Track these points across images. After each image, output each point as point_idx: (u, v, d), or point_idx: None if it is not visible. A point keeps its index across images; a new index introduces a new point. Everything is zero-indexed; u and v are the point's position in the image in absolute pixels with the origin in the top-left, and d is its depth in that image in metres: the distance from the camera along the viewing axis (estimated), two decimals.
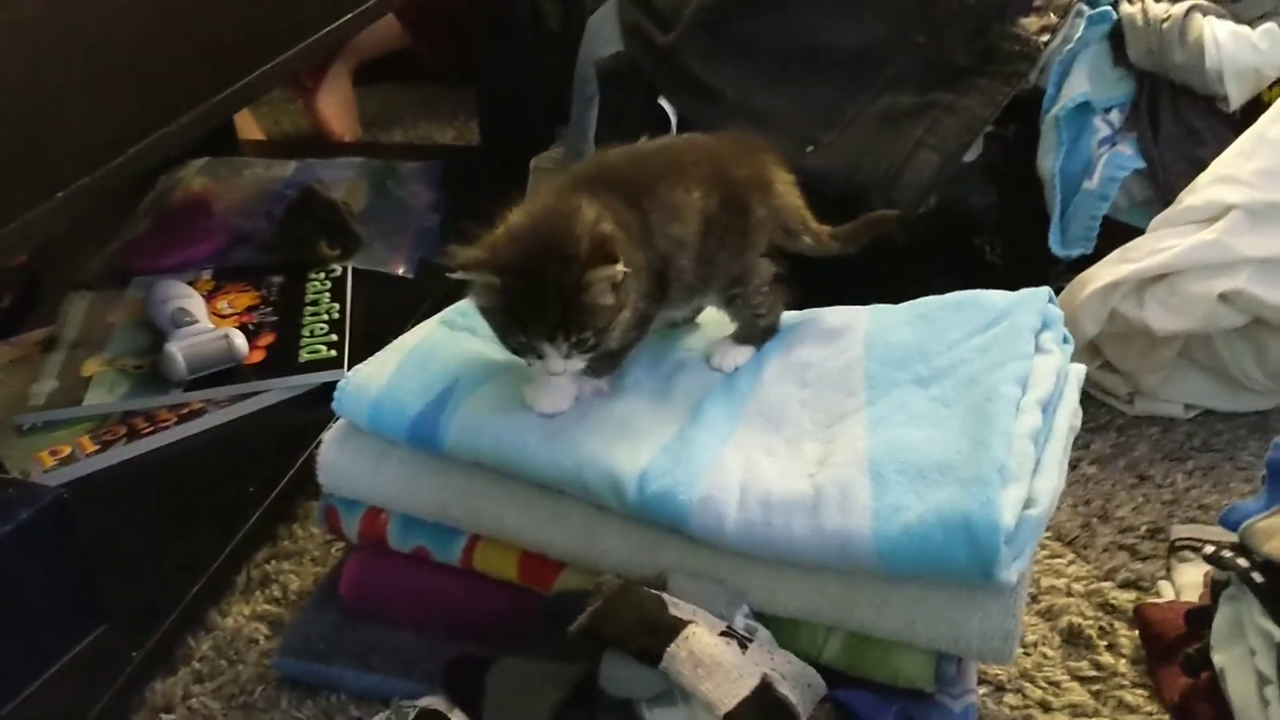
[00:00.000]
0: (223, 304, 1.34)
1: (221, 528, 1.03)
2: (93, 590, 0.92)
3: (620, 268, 0.79)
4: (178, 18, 0.89)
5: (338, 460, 0.93)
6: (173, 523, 1.05)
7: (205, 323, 1.25)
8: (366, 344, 0.98)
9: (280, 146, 1.98)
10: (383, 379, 0.92)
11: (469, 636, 0.88)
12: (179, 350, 1.18)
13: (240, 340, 1.21)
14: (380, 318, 1.26)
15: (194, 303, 1.28)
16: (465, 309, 1.01)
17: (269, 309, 1.33)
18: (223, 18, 0.94)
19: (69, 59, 0.79)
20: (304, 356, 1.23)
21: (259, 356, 1.23)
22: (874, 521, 0.76)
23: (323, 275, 1.40)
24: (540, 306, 0.79)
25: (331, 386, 0.93)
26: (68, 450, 1.11)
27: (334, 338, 1.26)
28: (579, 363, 0.82)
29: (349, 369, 0.98)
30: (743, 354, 0.94)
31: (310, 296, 1.35)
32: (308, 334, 1.27)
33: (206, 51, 0.93)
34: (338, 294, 1.35)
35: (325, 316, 1.30)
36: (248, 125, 2.02)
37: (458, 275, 0.82)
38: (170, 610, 0.94)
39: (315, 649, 0.92)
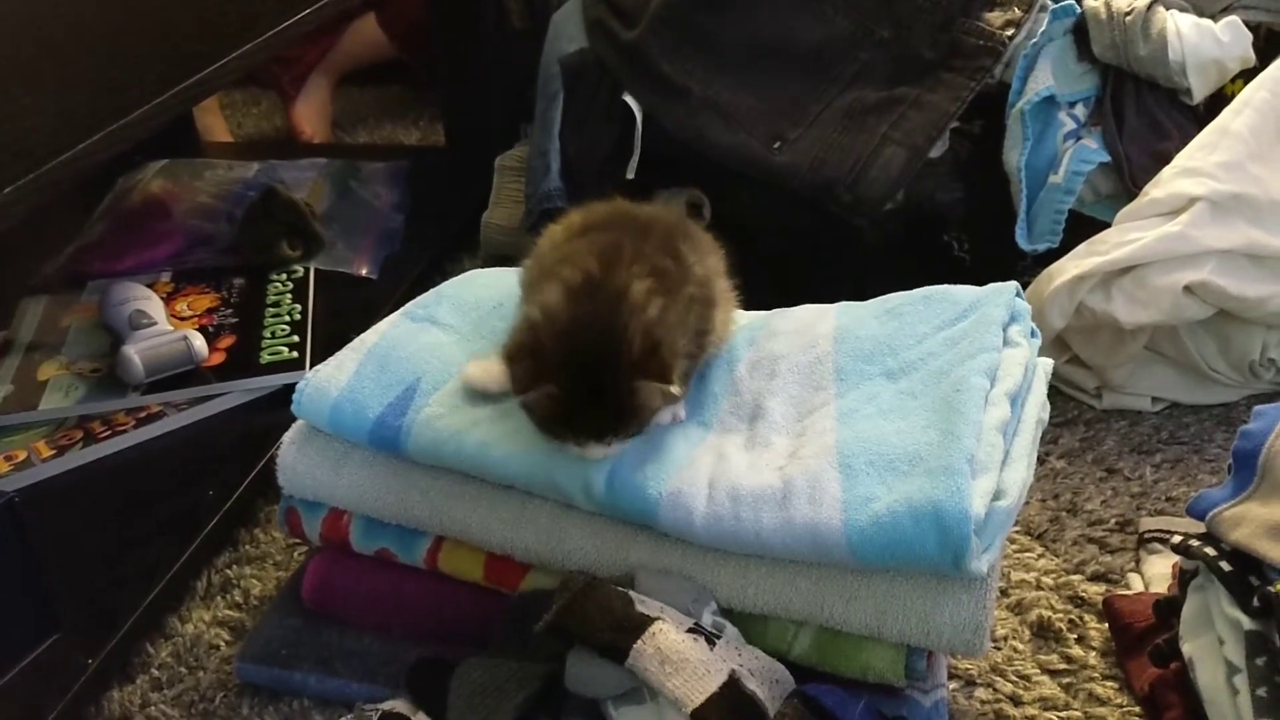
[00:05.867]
0: (182, 306, 1.32)
1: (181, 532, 1.01)
2: (46, 597, 0.90)
3: (674, 388, 0.77)
4: (126, 9, 0.87)
5: (297, 462, 0.91)
6: (131, 527, 1.02)
7: (164, 325, 1.23)
8: (328, 345, 0.96)
9: (242, 148, 1.96)
10: (342, 380, 0.90)
11: (433, 638, 0.87)
12: (136, 353, 1.16)
13: (199, 342, 1.19)
14: (343, 319, 1.25)
15: (152, 305, 1.26)
16: (428, 301, 0.99)
17: (229, 310, 1.31)
18: (173, 10, 0.92)
19: (10, 48, 0.76)
20: (265, 358, 1.21)
21: (219, 358, 1.21)
22: (844, 513, 0.75)
23: (284, 276, 1.38)
24: (594, 413, 0.77)
25: (293, 388, 0.91)
26: (23, 455, 1.09)
27: (295, 339, 1.24)
28: (619, 449, 0.80)
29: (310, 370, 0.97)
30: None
31: (271, 298, 1.33)
32: (269, 335, 1.25)
33: (157, 44, 0.91)
34: (299, 295, 1.33)
35: (287, 318, 1.29)
36: (215, 127, 2.00)
37: (525, 401, 0.78)
38: (127, 617, 0.92)
39: (277, 654, 0.90)
